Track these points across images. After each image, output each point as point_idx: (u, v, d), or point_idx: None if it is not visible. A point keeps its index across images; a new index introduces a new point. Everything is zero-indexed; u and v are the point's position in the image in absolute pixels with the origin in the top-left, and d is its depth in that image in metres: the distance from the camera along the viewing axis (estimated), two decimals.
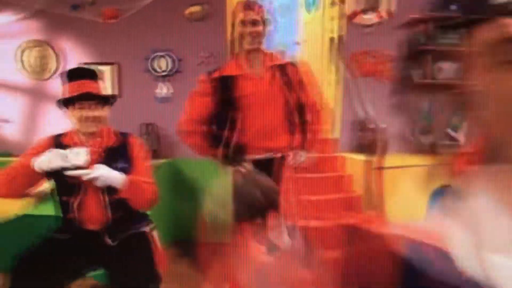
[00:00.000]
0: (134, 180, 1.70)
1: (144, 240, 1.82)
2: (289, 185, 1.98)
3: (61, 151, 1.62)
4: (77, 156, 1.62)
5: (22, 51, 3.92)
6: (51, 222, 1.86)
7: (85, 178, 1.62)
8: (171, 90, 3.88)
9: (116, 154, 1.79)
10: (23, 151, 1.83)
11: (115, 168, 1.69)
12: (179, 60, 3.84)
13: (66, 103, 1.76)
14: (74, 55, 3.91)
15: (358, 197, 3.35)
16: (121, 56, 3.89)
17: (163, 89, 3.89)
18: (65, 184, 1.72)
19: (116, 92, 3.86)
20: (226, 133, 1.98)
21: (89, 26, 3.78)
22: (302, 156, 2.04)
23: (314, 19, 4.71)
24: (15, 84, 3.96)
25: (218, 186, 1.65)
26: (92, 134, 1.79)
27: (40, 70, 3.93)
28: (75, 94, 1.72)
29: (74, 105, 1.74)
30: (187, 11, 3.75)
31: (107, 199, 1.72)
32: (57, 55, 3.92)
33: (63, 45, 3.92)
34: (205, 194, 1.65)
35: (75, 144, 1.75)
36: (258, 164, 1.84)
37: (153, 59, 3.84)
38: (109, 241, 1.74)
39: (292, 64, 2.04)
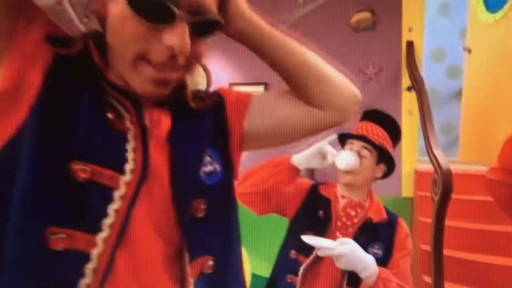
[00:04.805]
0: (387, 278, 1.13)
1: None
2: None
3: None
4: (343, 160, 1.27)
5: None
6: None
7: (322, 253, 1.12)
8: None
9: (376, 234, 1.26)
10: None
11: (370, 253, 1.17)
12: None
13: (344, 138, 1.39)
14: (223, 75, 3.54)
15: None
16: (270, 74, 3.42)
17: None
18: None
19: None
20: None
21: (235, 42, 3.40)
22: None
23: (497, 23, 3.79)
24: None
25: None
26: (351, 189, 1.34)
27: None
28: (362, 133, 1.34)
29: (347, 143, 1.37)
30: (353, 19, 3.17)
31: None
32: (208, 75, 3.57)
33: (210, 63, 3.57)
34: None
35: (334, 199, 1.33)
36: None
37: None
38: None
39: None
